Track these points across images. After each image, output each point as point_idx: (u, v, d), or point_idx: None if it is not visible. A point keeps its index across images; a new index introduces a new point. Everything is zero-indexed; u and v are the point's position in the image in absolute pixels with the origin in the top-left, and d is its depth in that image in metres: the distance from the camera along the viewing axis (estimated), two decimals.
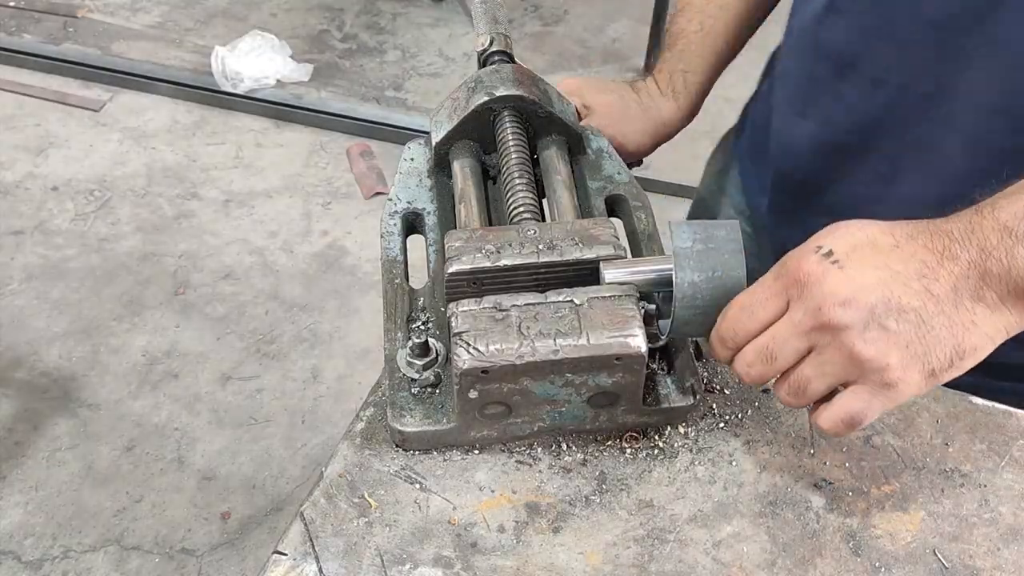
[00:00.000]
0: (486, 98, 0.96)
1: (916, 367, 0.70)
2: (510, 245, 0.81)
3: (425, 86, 3.60)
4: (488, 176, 0.99)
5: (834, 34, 1.00)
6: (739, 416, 0.87)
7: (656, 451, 0.85)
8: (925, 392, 0.76)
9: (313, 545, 0.77)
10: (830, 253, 0.71)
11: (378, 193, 3.09)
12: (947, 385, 0.90)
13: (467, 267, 0.81)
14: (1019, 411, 0.89)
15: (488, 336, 0.77)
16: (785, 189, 1.14)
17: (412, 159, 1.02)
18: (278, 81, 3.45)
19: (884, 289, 0.69)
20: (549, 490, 0.82)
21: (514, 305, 0.79)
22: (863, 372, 0.70)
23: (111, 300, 2.74)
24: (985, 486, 0.83)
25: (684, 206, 1.53)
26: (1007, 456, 0.85)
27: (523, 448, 0.85)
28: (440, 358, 0.84)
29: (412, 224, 0.97)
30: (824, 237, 0.73)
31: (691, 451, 0.85)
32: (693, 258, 0.76)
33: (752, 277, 0.76)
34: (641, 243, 0.95)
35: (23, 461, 2.34)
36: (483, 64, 1.06)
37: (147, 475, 2.33)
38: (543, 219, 0.91)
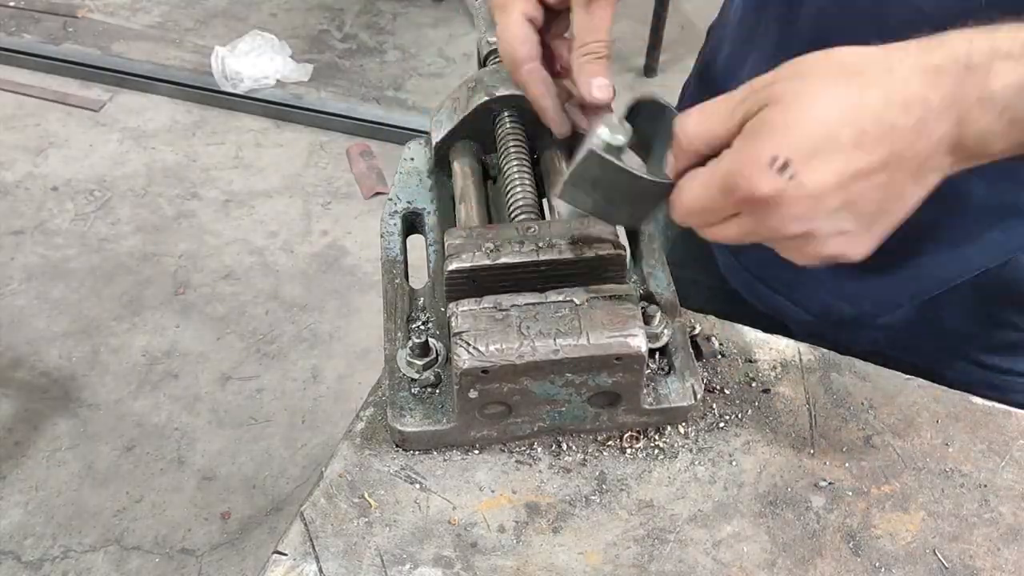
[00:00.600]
0: (486, 98, 0.96)
1: (866, 245, 0.70)
2: (510, 243, 0.81)
3: (425, 86, 3.60)
4: (488, 176, 0.99)
5: None
6: (739, 416, 0.87)
7: (656, 451, 0.85)
8: None
9: (313, 545, 0.77)
10: (785, 166, 0.66)
11: (378, 193, 3.09)
12: (948, 385, 0.91)
13: (467, 265, 0.80)
14: (1019, 411, 0.89)
15: (488, 336, 0.77)
16: None
17: (412, 159, 1.02)
18: (278, 81, 3.45)
19: (844, 193, 0.66)
20: (549, 490, 0.82)
21: (514, 305, 0.79)
22: (825, 261, 0.71)
23: (111, 300, 2.74)
24: (985, 486, 0.83)
25: None
26: (1007, 456, 0.85)
27: (523, 448, 0.85)
28: (440, 358, 0.84)
29: (412, 224, 0.97)
30: (778, 135, 0.66)
31: (691, 451, 0.85)
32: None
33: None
34: (641, 243, 0.95)
35: (23, 461, 2.34)
36: (483, 64, 1.06)
37: (147, 475, 2.33)
38: (543, 219, 0.91)
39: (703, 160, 0.71)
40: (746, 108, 0.69)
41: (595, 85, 0.86)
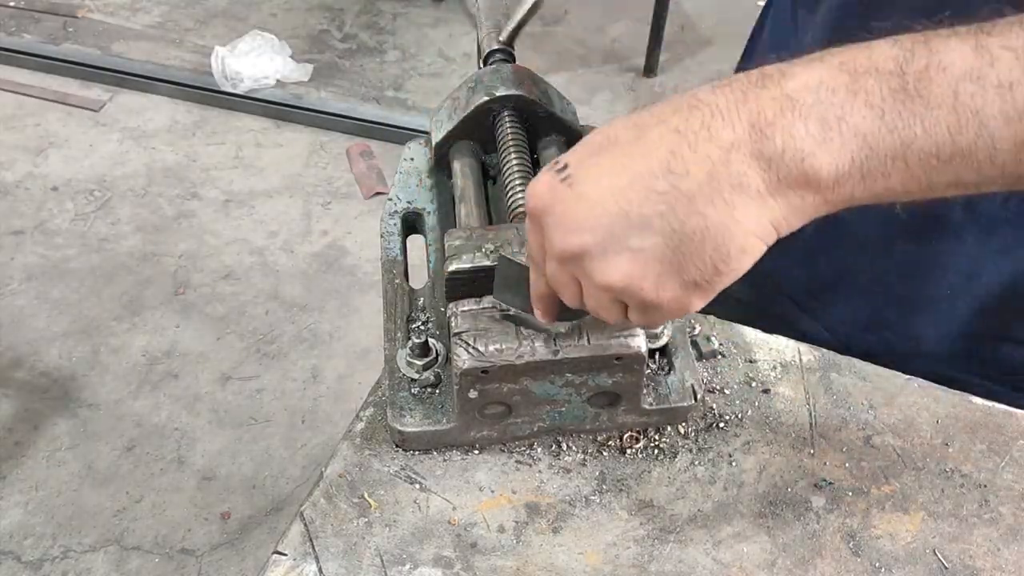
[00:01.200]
0: (486, 98, 0.96)
1: (673, 283, 0.60)
2: (509, 244, 0.81)
3: (425, 86, 3.60)
4: (488, 176, 0.99)
5: None
6: (739, 416, 0.87)
7: (656, 451, 0.85)
8: (701, 306, 0.64)
9: (313, 545, 0.77)
10: (564, 168, 0.61)
11: (378, 193, 3.09)
12: (948, 386, 0.90)
13: (467, 266, 0.80)
14: (1019, 411, 0.89)
15: (488, 336, 0.77)
16: None
17: (412, 159, 1.02)
18: (278, 81, 3.45)
19: (620, 201, 0.59)
20: (549, 490, 0.82)
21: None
22: (623, 295, 0.63)
23: (111, 300, 2.74)
24: (985, 486, 0.83)
25: None
26: (1007, 456, 0.85)
27: (523, 448, 0.85)
28: (440, 358, 0.84)
29: (412, 224, 0.97)
30: (571, 150, 0.63)
31: (691, 451, 0.85)
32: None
33: None
34: None
35: (23, 461, 2.34)
36: (483, 64, 1.06)
37: (147, 475, 2.33)
38: None
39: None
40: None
41: None
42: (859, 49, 0.58)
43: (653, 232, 0.59)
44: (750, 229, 0.58)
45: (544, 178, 0.62)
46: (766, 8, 1.13)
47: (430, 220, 0.96)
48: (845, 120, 0.56)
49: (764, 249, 0.60)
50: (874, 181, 0.57)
